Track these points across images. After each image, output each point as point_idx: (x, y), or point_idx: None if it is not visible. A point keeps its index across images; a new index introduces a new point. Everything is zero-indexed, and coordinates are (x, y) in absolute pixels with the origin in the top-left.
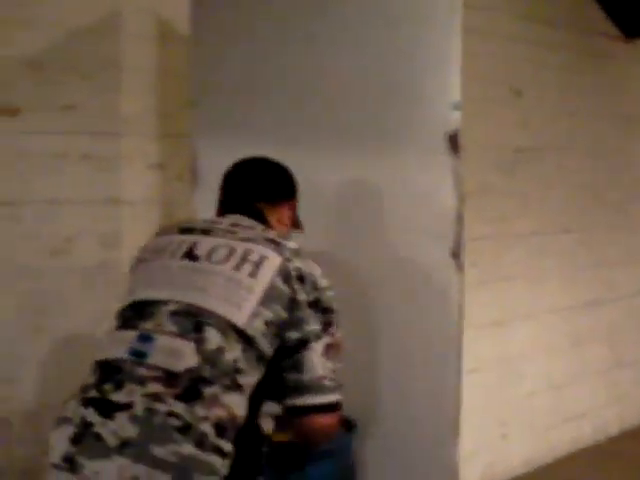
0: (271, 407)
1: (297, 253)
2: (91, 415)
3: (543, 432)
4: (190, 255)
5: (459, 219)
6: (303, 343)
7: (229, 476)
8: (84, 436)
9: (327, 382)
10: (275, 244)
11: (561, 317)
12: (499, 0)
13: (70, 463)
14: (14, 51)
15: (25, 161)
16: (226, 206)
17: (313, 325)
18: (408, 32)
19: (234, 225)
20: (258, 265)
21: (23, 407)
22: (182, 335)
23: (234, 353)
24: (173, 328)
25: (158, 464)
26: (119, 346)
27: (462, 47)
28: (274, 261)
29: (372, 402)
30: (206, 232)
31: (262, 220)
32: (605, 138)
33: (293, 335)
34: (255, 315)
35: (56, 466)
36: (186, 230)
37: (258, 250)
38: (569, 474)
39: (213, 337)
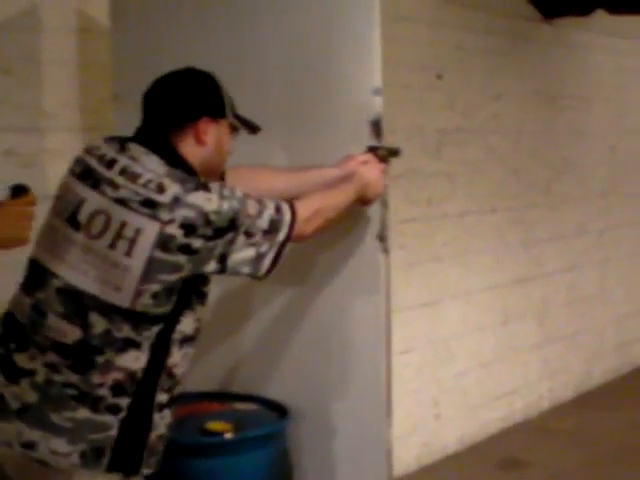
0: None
1: (178, 199)
2: None
3: (475, 410)
4: (73, 220)
5: (384, 203)
6: (223, 258)
7: (125, 421)
8: None
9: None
10: (151, 206)
11: (491, 295)
12: None
13: None
14: None
15: None
16: (136, 134)
17: (221, 249)
18: (328, 18)
19: (122, 172)
20: (133, 241)
21: None
22: (68, 317)
23: (123, 332)
24: (60, 308)
25: (53, 429)
26: (21, 309)
27: (385, 33)
28: (150, 232)
29: (304, 387)
30: (96, 184)
31: (165, 148)
32: (530, 119)
33: (209, 267)
34: (139, 294)
35: None
36: (84, 175)
37: (133, 222)
38: (502, 450)
39: (98, 321)
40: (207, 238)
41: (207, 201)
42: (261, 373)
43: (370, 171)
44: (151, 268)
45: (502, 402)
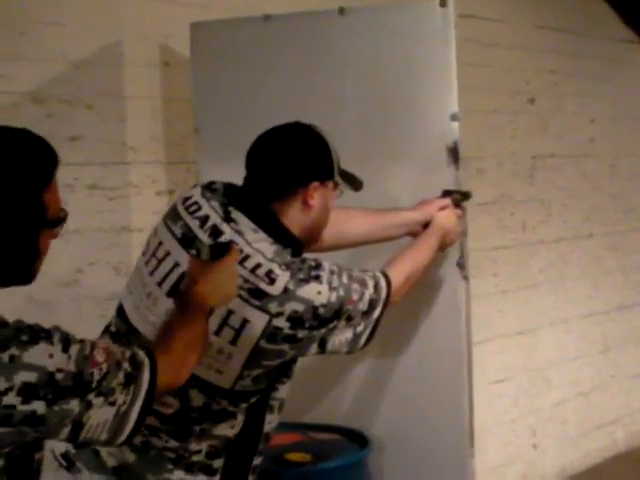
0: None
1: (288, 291)
2: None
3: (575, 440)
4: (176, 295)
5: (463, 231)
6: (323, 342)
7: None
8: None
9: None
10: (261, 297)
11: (589, 323)
12: (513, 11)
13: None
14: (17, 86)
15: None
16: (240, 200)
17: (322, 335)
18: (404, 46)
19: None
20: (239, 331)
21: None
22: None
23: (221, 405)
24: None
25: None
26: None
27: (474, 59)
28: (257, 324)
29: (384, 416)
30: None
31: (272, 222)
32: (626, 143)
33: (310, 351)
34: (240, 377)
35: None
36: (185, 240)
37: (240, 311)
38: None
39: (196, 396)
40: (312, 328)
41: (317, 295)
42: (342, 404)
43: (448, 218)
44: (255, 356)
45: (603, 432)
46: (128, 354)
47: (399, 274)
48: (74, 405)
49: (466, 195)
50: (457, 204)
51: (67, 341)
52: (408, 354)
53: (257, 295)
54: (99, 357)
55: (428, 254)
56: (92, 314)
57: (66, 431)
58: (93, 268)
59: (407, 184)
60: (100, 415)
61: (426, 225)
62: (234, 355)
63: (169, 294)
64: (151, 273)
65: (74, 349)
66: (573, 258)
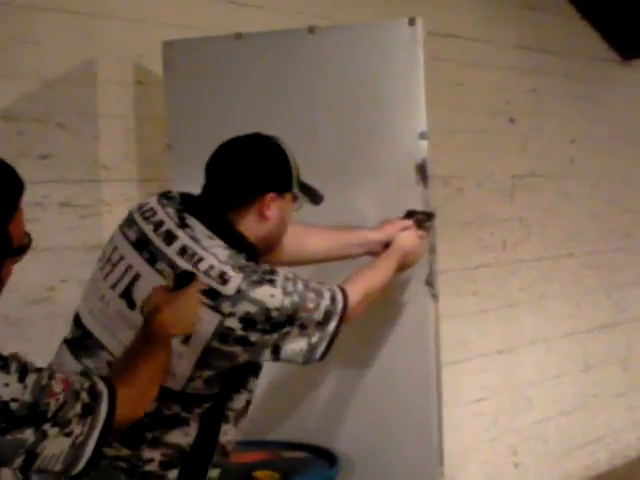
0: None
1: (241, 292)
2: None
3: (557, 459)
4: (128, 297)
5: (432, 249)
6: (277, 349)
7: None
8: None
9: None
10: (214, 297)
11: (570, 342)
12: (494, 31)
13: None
14: None
15: None
16: (196, 208)
17: (274, 341)
18: (372, 64)
19: (182, 252)
20: None
21: None
22: None
23: (173, 410)
24: None
25: None
26: (67, 371)
27: (455, 79)
28: (209, 323)
29: (354, 435)
30: (153, 259)
31: (227, 229)
32: (607, 162)
33: (264, 357)
34: (191, 379)
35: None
36: (139, 244)
37: None
38: None
39: None
40: (264, 332)
41: (270, 297)
42: (311, 421)
43: (409, 239)
44: (207, 357)
45: (585, 451)
46: (87, 385)
47: (356, 291)
48: (28, 435)
49: (430, 215)
50: (420, 225)
51: (24, 370)
52: (377, 372)
53: (210, 295)
54: (56, 387)
55: (386, 275)
56: (63, 332)
57: (20, 460)
58: (65, 286)
59: (376, 202)
60: (55, 446)
61: (387, 245)
62: (185, 355)
63: (122, 296)
64: (105, 277)
65: (31, 379)
66: (554, 277)
